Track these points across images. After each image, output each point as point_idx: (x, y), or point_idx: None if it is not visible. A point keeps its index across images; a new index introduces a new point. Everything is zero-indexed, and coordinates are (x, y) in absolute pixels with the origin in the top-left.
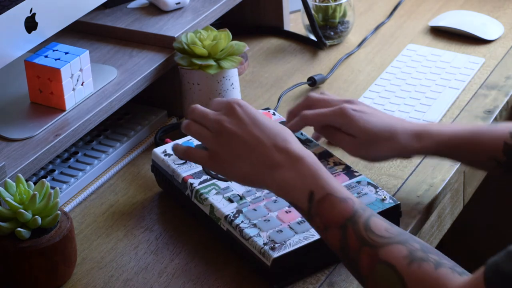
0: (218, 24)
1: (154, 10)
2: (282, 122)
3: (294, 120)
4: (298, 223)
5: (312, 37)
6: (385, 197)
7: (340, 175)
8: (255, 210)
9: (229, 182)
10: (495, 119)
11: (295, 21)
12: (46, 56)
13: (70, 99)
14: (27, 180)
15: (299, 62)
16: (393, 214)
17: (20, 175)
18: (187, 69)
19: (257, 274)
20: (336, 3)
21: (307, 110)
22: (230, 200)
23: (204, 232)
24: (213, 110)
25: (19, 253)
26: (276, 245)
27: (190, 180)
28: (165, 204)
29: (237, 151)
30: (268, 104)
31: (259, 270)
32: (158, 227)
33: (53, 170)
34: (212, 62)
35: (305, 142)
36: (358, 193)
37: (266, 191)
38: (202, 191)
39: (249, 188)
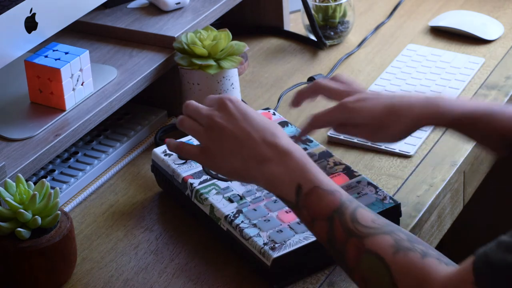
0: (218, 24)
1: (154, 10)
2: (282, 122)
3: (303, 126)
4: (298, 223)
5: (312, 37)
6: (385, 197)
7: (340, 175)
8: (255, 210)
9: (229, 182)
10: None
11: (295, 21)
12: (46, 56)
13: (70, 99)
14: (27, 180)
15: (299, 62)
16: (393, 214)
17: (20, 175)
18: (187, 69)
19: (257, 274)
20: (336, 3)
21: (315, 96)
22: (230, 200)
23: (204, 232)
24: (206, 106)
25: (19, 253)
26: (276, 245)
27: (190, 180)
28: (165, 204)
29: (228, 145)
30: (268, 104)
31: (259, 270)
32: (158, 227)
33: (53, 170)
34: (212, 62)
35: (305, 142)
36: (358, 193)
37: (266, 191)
38: (202, 191)
39: (249, 188)
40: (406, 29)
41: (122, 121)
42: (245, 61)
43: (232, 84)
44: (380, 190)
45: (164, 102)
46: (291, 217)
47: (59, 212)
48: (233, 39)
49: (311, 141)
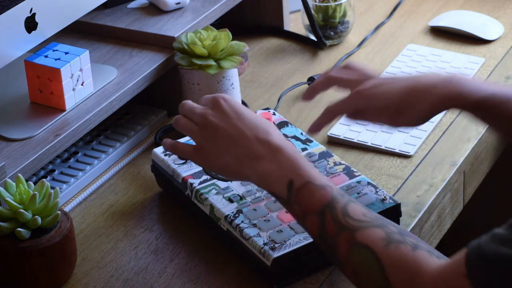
0: (218, 24)
1: (154, 10)
2: (282, 122)
3: (320, 116)
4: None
5: (312, 37)
6: (385, 197)
7: (340, 175)
8: (255, 210)
9: (229, 182)
10: None
11: (295, 21)
12: (46, 56)
13: (70, 99)
14: (27, 180)
15: (299, 62)
16: (393, 214)
17: (20, 175)
18: (187, 69)
19: (257, 274)
20: (336, 3)
21: (328, 88)
22: (230, 200)
23: (204, 232)
24: (202, 106)
25: (19, 253)
26: (276, 245)
27: (190, 180)
28: (165, 204)
29: (221, 143)
30: (268, 104)
31: (259, 270)
32: (158, 227)
33: (53, 170)
34: (212, 62)
35: (305, 142)
36: (358, 193)
37: (266, 191)
38: (202, 191)
39: (249, 188)
40: (406, 29)
41: (122, 121)
42: (245, 61)
43: (232, 84)
44: (380, 190)
45: (164, 102)
46: (291, 217)
47: (59, 212)
48: (233, 39)
49: (311, 141)
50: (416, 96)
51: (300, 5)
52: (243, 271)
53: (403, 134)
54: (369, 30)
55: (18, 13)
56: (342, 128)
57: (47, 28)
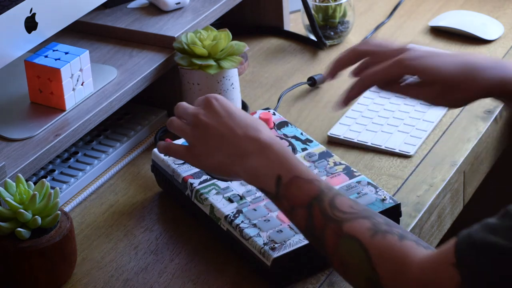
0: (218, 24)
1: (154, 10)
2: (282, 122)
3: (352, 87)
4: None
5: (312, 37)
6: (385, 197)
7: (340, 175)
8: (255, 210)
9: (229, 182)
10: (495, 119)
11: (295, 21)
12: (46, 56)
13: (70, 99)
14: (27, 180)
15: (299, 62)
16: (393, 214)
17: (20, 175)
18: (187, 69)
19: (257, 274)
20: (336, 3)
21: (355, 62)
22: (230, 200)
23: (204, 232)
24: (195, 106)
25: (19, 253)
26: (276, 245)
27: (190, 180)
28: (165, 204)
29: (212, 142)
30: (268, 104)
31: (259, 270)
32: (158, 227)
33: (53, 170)
34: (212, 62)
35: (305, 142)
36: (358, 193)
37: None
38: (202, 191)
39: (249, 188)
40: (406, 29)
41: (122, 121)
42: (245, 61)
43: (232, 84)
44: (380, 190)
45: (164, 102)
46: None
47: (59, 212)
48: (233, 39)
49: (311, 141)
50: (472, 76)
51: (300, 5)
52: (243, 271)
53: (403, 134)
54: (369, 30)
55: (18, 13)
56: (342, 128)
57: (47, 28)
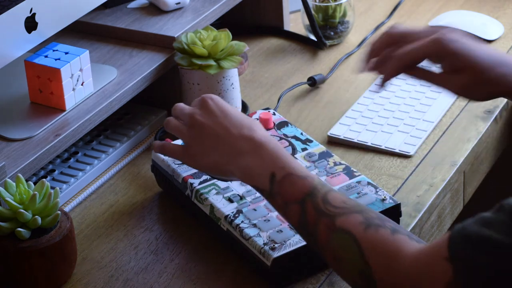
0: (218, 24)
1: (154, 10)
2: (282, 122)
3: (388, 65)
4: None
5: (312, 37)
6: (385, 197)
7: (340, 175)
8: (255, 210)
9: (229, 182)
10: (495, 119)
11: (295, 21)
12: (46, 56)
13: (70, 99)
14: (27, 180)
15: (299, 62)
16: (393, 214)
17: (20, 175)
18: (187, 69)
19: (257, 274)
20: (336, 3)
21: (390, 47)
22: (230, 200)
23: (204, 232)
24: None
25: (19, 253)
26: (276, 245)
27: (190, 180)
28: (165, 204)
29: (207, 142)
30: (268, 104)
31: (259, 270)
32: (158, 227)
33: (53, 170)
34: (212, 62)
35: (305, 142)
36: (358, 193)
37: None
38: (202, 191)
39: (249, 188)
40: None
41: (122, 121)
42: (245, 61)
43: (232, 84)
44: (380, 190)
45: (164, 102)
46: None
47: (59, 212)
48: (233, 39)
49: (311, 141)
50: (505, 72)
51: (300, 5)
52: (243, 271)
53: (403, 134)
54: (369, 30)
55: (18, 13)
56: (342, 128)
57: (47, 28)
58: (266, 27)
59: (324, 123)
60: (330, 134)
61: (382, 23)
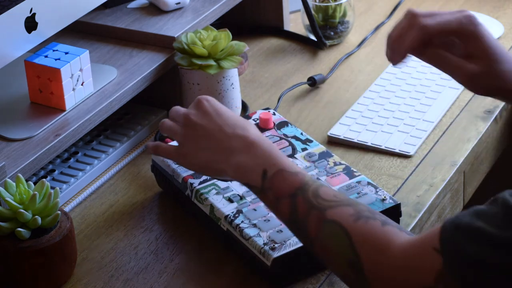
0: (218, 24)
1: (154, 10)
2: (282, 122)
3: (411, 33)
4: None
5: (312, 37)
6: (385, 197)
7: (340, 175)
8: (255, 210)
9: (229, 182)
10: (495, 119)
11: (295, 21)
12: (46, 56)
13: (70, 99)
14: (27, 180)
15: (299, 62)
16: (393, 214)
17: (20, 175)
18: (187, 69)
19: (257, 274)
20: (336, 3)
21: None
22: (230, 200)
23: (204, 232)
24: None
25: (19, 253)
26: (276, 245)
27: (190, 180)
28: (165, 204)
29: (200, 140)
30: (268, 104)
31: (259, 270)
32: (158, 227)
33: (53, 170)
34: (212, 62)
35: (305, 142)
36: (358, 193)
37: None
38: (202, 191)
39: None
40: None
41: (122, 121)
42: (245, 61)
43: (232, 84)
44: (380, 190)
45: (164, 102)
46: None
47: (59, 212)
48: (233, 39)
49: (311, 141)
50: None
51: (300, 5)
52: (243, 271)
53: (403, 134)
54: (369, 30)
55: (18, 13)
56: (342, 128)
57: (47, 28)
58: (266, 27)
59: (324, 123)
60: (330, 134)
61: (382, 23)
